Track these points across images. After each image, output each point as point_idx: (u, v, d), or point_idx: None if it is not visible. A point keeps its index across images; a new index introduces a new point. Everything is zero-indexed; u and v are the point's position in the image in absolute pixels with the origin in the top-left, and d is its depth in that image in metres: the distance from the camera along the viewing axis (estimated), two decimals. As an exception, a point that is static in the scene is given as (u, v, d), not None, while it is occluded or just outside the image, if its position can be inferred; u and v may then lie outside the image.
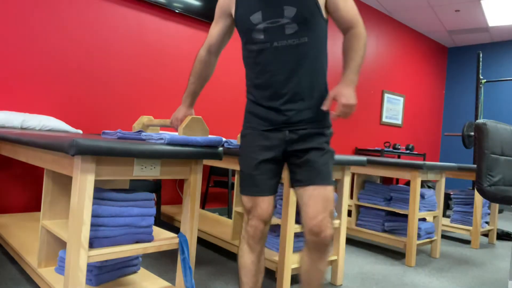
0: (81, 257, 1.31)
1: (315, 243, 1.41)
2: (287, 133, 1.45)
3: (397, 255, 3.06)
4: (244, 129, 1.54)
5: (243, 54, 1.55)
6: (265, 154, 1.46)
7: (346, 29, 1.47)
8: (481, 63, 4.99)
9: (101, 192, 1.47)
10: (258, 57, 1.46)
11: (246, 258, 1.51)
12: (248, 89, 1.55)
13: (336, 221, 2.27)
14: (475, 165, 3.55)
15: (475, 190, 3.47)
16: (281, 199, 2.19)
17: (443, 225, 3.69)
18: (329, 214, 1.39)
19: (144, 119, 2.02)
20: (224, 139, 2.45)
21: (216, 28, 1.62)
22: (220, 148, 1.67)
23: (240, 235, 1.60)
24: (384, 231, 3.07)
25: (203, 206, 3.71)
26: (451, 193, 4.60)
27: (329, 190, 1.40)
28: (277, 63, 1.43)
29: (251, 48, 1.48)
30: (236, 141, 2.30)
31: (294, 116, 1.44)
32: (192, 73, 1.69)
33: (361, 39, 1.43)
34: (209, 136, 1.66)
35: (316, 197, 1.39)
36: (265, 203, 1.45)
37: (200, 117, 1.66)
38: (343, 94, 1.34)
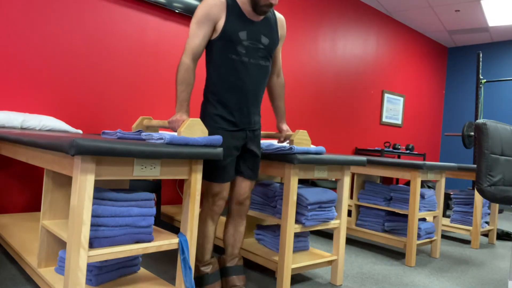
0: (81, 257, 1.32)
1: (238, 211, 2.01)
2: (247, 132, 1.92)
3: (397, 255, 3.06)
4: (213, 129, 1.87)
5: (221, 61, 1.84)
6: (235, 151, 1.89)
7: (274, 72, 2.10)
8: (481, 63, 4.99)
9: (101, 192, 1.47)
10: (237, 66, 1.83)
11: (211, 230, 1.94)
12: (216, 93, 1.87)
13: (336, 221, 2.27)
14: (475, 165, 3.55)
15: (475, 190, 3.48)
16: (281, 199, 2.19)
17: (443, 225, 3.69)
18: (250, 193, 2.02)
19: (144, 120, 2.02)
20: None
21: (200, 36, 1.81)
22: (220, 148, 1.67)
23: (203, 214, 1.94)
24: (384, 231, 3.07)
25: (203, 206, 3.71)
26: (451, 193, 4.60)
27: (255, 182, 2.06)
28: (249, 75, 1.86)
29: (233, 57, 1.82)
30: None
31: (252, 118, 1.93)
32: (181, 82, 1.78)
33: (284, 88, 2.22)
34: (209, 136, 1.66)
35: (247, 185, 1.99)
36: (228, 186, 1.93)
37: (199, 119, 1.66)
38: (288, 129, 2.15)
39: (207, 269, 1.92)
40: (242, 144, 1.92)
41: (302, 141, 2.04)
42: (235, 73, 1.83)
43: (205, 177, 1.89)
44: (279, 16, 2.01)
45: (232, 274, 1.99)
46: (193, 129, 1.63)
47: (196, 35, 1.79)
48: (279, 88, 2.12)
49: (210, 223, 1.93)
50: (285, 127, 2.13)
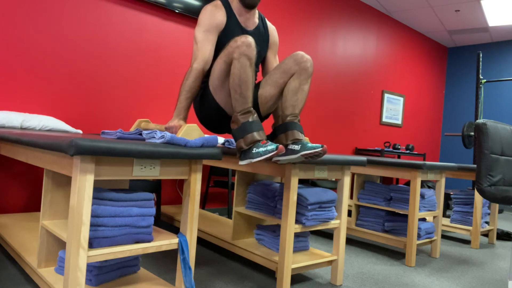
0: (80, 257, 1.31)
1: (302, 69, 1.79)
2: None
3: (397, 255, 3.06)
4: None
5: (214, 64, 1.88)
6: None
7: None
8: (481, 63, 4.99)
9: (100, 192, 1.47)
10: None
11: (249, 72, 1.64)
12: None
13: (336, 221, 2.27)
14: (475, 165, 3.55)
15: (475, 190, 3.47)
16: (281, 199, 2.19)
17: (443, 225, 3.69)
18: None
19: (141, 123, 2.02)
20: (224, 139, 2.44)
21: (210, 43, 1.86)
22: (218, 148, 1.67)
23: (236, 57, 1.67)
24: (384, 231, 3.07)
25: (203, 206, 3.71)
26: (451, 193, 4.60)
27: None
28: None
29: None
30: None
31: None
32: (187, 89, 1.79)
33: None
34: (206, 135, 1.66)
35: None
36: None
37: (195, 125, 1.67)
38: None
39: (248, 117, 1.70)
40: None
41: None
42: None
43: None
44: (270, 26, 2.13)
45: (294, 128, 1.80)
46: (190, 135, 1.63)
47: (206, 41, 1.84)
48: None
49: (246, 65, 1.64)
50: None
